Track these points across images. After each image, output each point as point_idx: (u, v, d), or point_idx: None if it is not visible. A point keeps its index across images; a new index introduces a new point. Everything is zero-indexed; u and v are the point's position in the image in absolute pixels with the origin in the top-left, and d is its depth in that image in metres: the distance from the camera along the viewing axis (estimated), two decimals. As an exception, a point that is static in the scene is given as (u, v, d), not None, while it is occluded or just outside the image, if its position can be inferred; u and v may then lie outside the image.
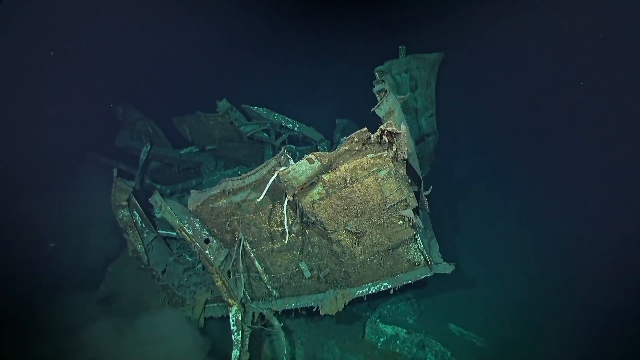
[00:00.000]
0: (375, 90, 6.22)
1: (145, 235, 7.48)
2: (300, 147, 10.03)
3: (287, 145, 9.92)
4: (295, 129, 9.77)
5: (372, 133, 4.57)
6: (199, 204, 5.86)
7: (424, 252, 6.06)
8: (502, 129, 10.95)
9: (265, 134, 9.75)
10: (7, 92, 9.23)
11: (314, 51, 11.80)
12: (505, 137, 10.95)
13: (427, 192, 6.15)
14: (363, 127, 4.61)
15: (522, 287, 8.17)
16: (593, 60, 9.49)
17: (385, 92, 6.01)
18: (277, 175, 4.75)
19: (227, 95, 9.61)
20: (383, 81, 6.40)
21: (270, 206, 5.74)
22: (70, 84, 10.25)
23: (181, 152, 10.18)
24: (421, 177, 6.04)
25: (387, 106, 5.71)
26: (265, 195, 4.91)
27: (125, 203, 7.05)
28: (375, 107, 5.66)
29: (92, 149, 10.01)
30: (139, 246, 7.24)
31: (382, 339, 7.63)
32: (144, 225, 7.47)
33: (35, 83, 9.85)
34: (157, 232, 7.73)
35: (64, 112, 10.05)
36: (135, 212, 7.31)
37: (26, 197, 8.74)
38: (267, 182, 4.90)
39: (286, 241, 5.86)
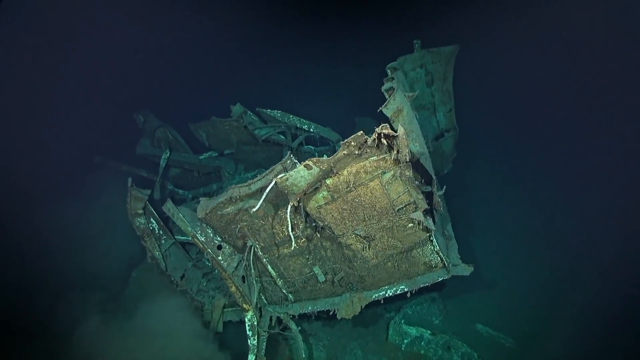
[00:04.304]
0: (383, 88, 6.06)
1: (163, 242, 7.57)
2: (318, 147, 9.91)
3: (305, 146, 9.80)
4: (311, 130, 9.68)
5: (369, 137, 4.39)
6: (207, 211, 5.84)
7: (441, 253, 5.87)
8: (524, 124, 10.49)
9: (281, 137, 9.68)
10: (32, 104, 9.57)
11: (328, 50, 11.75)
12: (527, 132, 10.47)
13: (440, 192, 5.94)
14: (385, 124, 4.41)
15: (553, 287, 7.80)
16: (621, 53, 8.97)
17: (394, 90, 5.83)
18: (276, 183, 4.67)
19: (242, 99, 9.58)
20: (392, 79, 6.22)
21: (278, 212, 5.68)
22: (92, 95, 10.56)
23: (201, 158, 10.25)
24: (434, 177, 5.83)
25: (395, 105, 5.54)
26: (263, 202, 4.83)
27: (141, 211, 7.15)
28: (383, 106, 5.49)
29: (114, 157, 10.23)
30: (157, 253, 7.33)
31: (406, 341, 7.44)
32: (161, 232, 7.56)
33: (60, 94, 10.19)
34: (175, 239, 7.81)
35: (86, 123, 10.37)
36: (152, 219, 7.41)
37: (52, 205, 9.08)
38: (266, 190, 4.82)
39: (292, 248, 5.80)
